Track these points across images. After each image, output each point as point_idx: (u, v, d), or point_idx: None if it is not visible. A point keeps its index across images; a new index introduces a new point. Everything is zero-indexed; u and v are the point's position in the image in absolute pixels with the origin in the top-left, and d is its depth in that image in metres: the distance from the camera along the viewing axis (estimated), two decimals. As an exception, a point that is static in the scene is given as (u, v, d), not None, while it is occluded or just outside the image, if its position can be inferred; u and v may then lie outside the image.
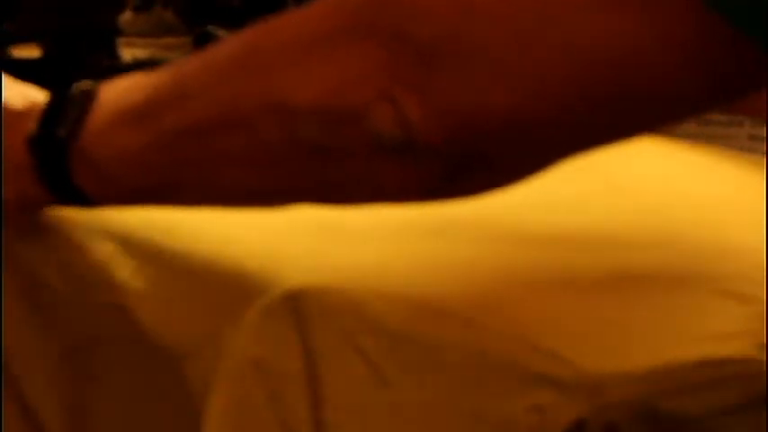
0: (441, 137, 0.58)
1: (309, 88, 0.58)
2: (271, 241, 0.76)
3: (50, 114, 0.70)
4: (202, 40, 1.12)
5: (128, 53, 1.17)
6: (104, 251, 0.78)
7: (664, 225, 0.80)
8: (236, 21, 1.18)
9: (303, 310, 0.68)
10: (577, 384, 0.58)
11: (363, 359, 0.65)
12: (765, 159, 1.01)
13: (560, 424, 0.57)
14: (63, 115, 0.69)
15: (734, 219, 0.81)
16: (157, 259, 0.76)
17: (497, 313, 0.65)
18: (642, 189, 0.89)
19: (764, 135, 1.07)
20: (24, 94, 0.74)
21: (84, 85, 0.69)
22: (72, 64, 1.14)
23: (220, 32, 1.12)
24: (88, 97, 0.68)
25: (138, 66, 1.15)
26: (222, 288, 0.70)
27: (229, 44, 0.64)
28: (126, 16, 1.24)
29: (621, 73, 0.57)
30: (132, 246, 0.77)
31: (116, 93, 0.68)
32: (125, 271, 0.76)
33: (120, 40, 1.17)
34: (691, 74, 0.58)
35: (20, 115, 0.72)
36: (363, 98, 0.57)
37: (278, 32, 0.61)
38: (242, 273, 0.72)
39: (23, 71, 1.21)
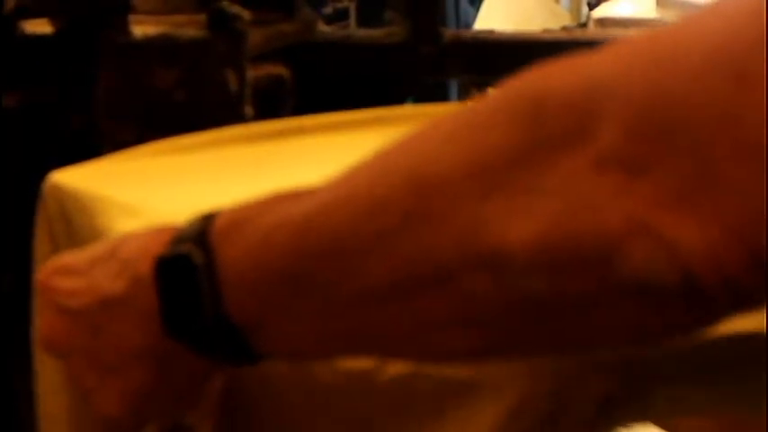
0: (740, 267, 0.39)
1: (523, 229, 0.41)
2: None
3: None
4: (217, 18, 1.12)
5: (139, 30, 1.17)
6: None
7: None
8: (249, -2, 1.18)
9: None
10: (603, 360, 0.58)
11: None
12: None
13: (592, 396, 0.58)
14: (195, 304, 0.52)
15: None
16: None
17: None
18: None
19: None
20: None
21: (187, 247, 0.51)
22: (84, 40, 1.14)
23: (234, 9, 1.12)
24: (209, 262, 0.51)
25: (150, 43, 1.15)
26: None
27: (376, 178, 0.47)
28: (137, -6, 1.24)
29: None
30: None
31: (243, 251, 0.50)
32: None
33: (132, 18, 1.17)
34: None
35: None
36: (605, 235, 0.40)
37: (442, 150, 0.45)
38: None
39: (36, 47, 1.21)
